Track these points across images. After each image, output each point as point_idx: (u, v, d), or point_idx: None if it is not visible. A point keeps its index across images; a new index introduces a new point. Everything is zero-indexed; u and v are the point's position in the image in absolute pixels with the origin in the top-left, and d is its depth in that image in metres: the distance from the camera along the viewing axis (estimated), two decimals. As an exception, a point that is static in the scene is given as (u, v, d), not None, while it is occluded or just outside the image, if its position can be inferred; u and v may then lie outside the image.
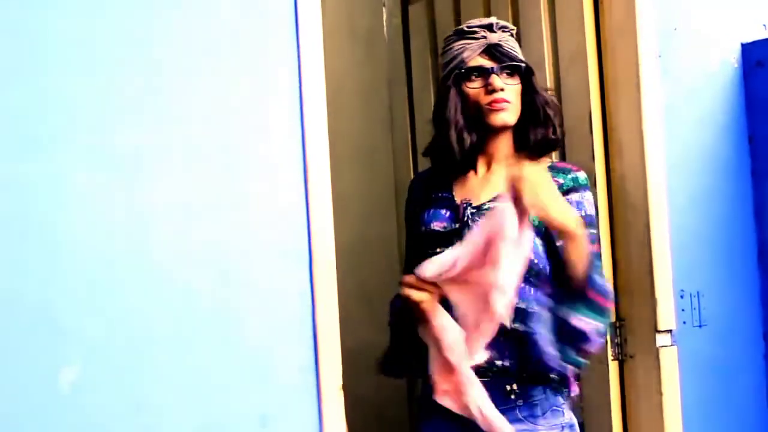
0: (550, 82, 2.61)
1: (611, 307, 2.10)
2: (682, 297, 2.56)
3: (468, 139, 2.12)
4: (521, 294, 2.05)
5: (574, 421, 2.17)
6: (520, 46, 2.22)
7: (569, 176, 2.14)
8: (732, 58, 2.75)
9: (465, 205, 2.14)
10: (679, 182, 2.57)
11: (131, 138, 1.79)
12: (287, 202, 1.94)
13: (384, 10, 3.64)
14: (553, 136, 2.16)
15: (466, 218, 2.12)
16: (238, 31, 1.91)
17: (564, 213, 1.95)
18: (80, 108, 1.75)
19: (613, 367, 2.51)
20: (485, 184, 2.17)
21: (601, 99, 2.54)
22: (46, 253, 1.69)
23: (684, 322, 2.56)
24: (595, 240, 2.12)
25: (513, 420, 2.07)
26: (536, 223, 2.06)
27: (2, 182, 1.66)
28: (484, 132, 2.14)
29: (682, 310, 2.56)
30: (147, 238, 1.79)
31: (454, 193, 2.18)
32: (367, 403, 3.67)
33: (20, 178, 1.68)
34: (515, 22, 2.74)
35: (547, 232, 2.09)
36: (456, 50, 2.15)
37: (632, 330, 2.49)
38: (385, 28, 3.60)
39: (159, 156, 1.81)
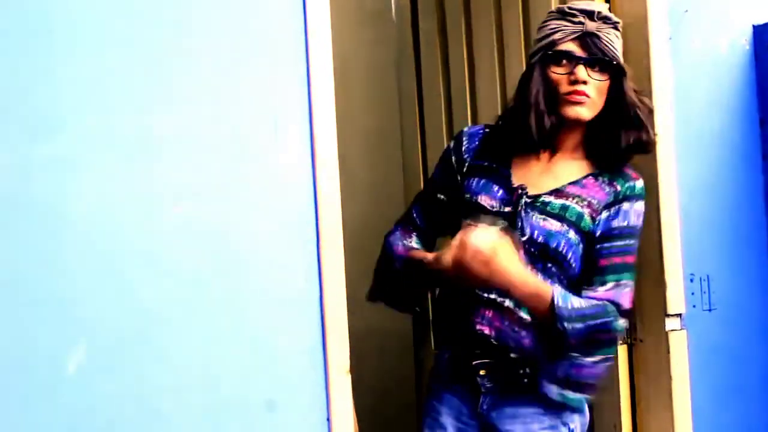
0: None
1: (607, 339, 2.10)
2: (691, 281, 2.55)
3: (549, 123, 2.07)
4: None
5: (584, 403, 2.18)
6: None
7: (627, 184, 2.12)
8: (743, 40, 2.73)
9: (521, 191, 2.10)
10: (689, 166, 2.55)
11: (138, 120, 1.78)
12: (295, 185, 1.93)
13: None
14: (645, 138, 2.11)
15: (519, 207, 2.08)
16: (245, 12, 1.90)
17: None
18: (88, 91, 1.74)
19: (622, 351, 2.50)
20: (546, 173, 2.14)
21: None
22: (53, 236, 1.69)
23: (693, 306, 2.55)
24: (631, 252, 2.10)
25: (527, 402, 2.11)
26: (579, 221, 2.08)
27: (11, 164, 1.66)
28: (557, 120, 2.09)
29: (692, 293, 2.55)
30: (154, 221, 1.78)
31: (512, 171, 2.13)
32: (374, 386, 3.67)
33: (28, 161, 1.67)
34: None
35: (586, 236, 2.09)
36: (550, 29, 2.08)
37: (641, 314, 2.48)
38: (393, 10, 3.58)
39: (166, 139, 1.80)
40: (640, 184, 2.14)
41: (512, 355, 2.08)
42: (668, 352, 2.42)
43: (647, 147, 2.14)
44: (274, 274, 1.89)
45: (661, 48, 2.47)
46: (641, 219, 2.13)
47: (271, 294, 1.89)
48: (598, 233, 2.08)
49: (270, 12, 1.93)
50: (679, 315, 2.45)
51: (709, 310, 2.60)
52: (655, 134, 2.15)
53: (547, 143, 2.12)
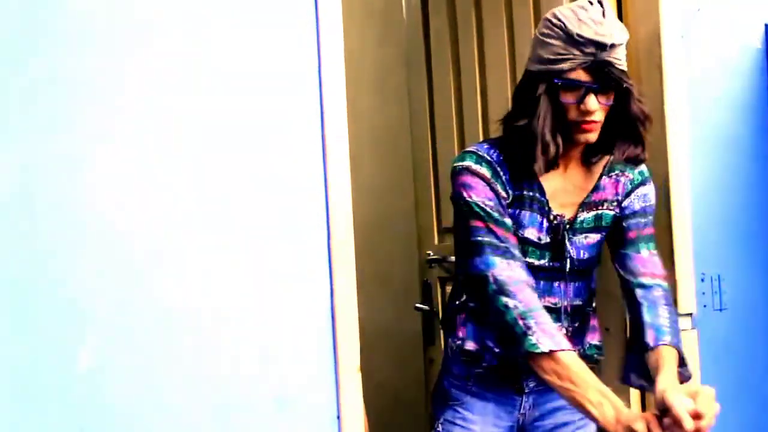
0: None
1: None
2: (702, 280, 2.54)
3: (553, 151, 2.01)
4: (575, 292, 2.17)
5: None
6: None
7: (636, 170, 2.18)
8: (755, 39, 2.72)
9: (560, 222, 2.11)
10: (700, 164, 2.55)
11: (149, 119, 1.78)
12: (306, 185, 1.93)
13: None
14: (639, 155, 2.08)
15: (561, 236, 2.11)
16: (257, 12, 1.90)
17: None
18: (98, 89, 1.74)
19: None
20: (568, 187, 2.13)
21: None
22: (64, 233, 1.69)
23: (704, 306, 2.54)
24: (650, 225, 2.17)
25: None
26: (611, 220, 2.15)
27: (22, 163, 1.66)
28: (564, 142, 2.03)
29: (703, 293, 2.54)
30: (165, 220, 1.78)
31: (548, 197, 2.10)
32: (384, 385, 3.67)
33: (40, 158, 1.68)
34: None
35: (613, 231, 2.17)
36: (557, 55, 1.97)
37: (652, 313, 2.47)
38: (403, 10, 3.58)
39: (178, 138, 1.80)
40: (644, 167, 2.20)
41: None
42: (679, 351, 2.41)
43: (640, 161, 2.13)
44: (285, 273, 1.89)
45: (674, 46, 2.46)
46: (655, 199, 2.21)
47: (281, 293, 1.89)
48: (624, 213, 2.16)
49: (281, 13, 1.93)
50: (690, 315, 2.45)
51: (720, 309, 2.59)
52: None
53: (554, 166, 2.07)
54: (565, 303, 2.15)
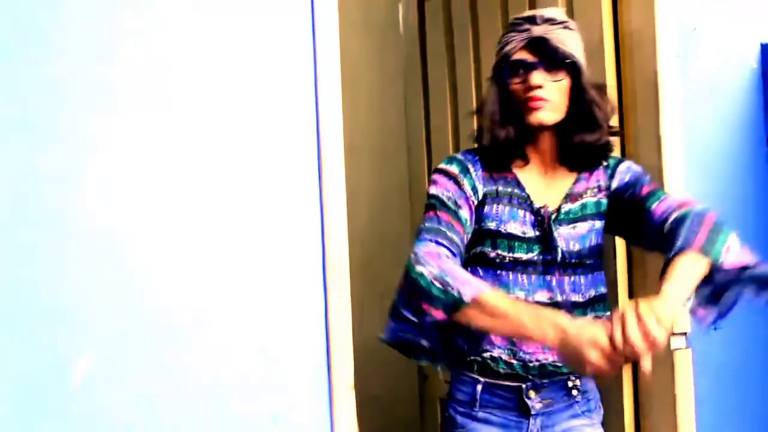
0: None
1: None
2: (697, 299, 2.54)
3: (504, 134, 2.09)
4: (571, 287, 2.12)
5: None
6: None
7: (611, 158, 2.18)
8: (751, 58, 2.73)
9: (547, 213, 2.10)
10: (696, 184, 2.55)
11: (143, 127, 1.78)
12: (301, 196, 1.93)
13: (400, 6, 3.62)
14: (598, 143, 2.11)
15: (548, 227, 2.10)
16: (254, 21, 1.90)
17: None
18: (91, 98, 1.74)
19: (627, 369, 2.49)
20: (549, 187, 2.15)
21: (618, 99, 2.52)
22: (57, 244, 1.69)
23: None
24: (649, 183, 2.14)
25: (573, 416, 2.15)
26: (599, 207, 2.14)
27: (16, 172, 1.66)
28: (527, 129, 2.10)
29: (697, 312, 2.54)
30: (160, 230, 1.78)
31: (528, 192, 2.12)
32: (378, 401, 3.66)
33: (33, 169, 1.67)
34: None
35: (618, 216, 2.15)
36: (502, 43, 2.10)
37: (647, 332, 2.47)
38: (400, 23, 3.58)
39: (173, 146, 1.80)
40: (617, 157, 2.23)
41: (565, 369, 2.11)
42: (673, 370, 2.41)
43: (600, 151, 2.14)
44: (279, 289, 1.89)
45: (670, 65, 2.47)
46: (639, 168, 2.20)
47: (276, 309, 1.89)
48: (617, 192, 2.14)
49: (278, 22, 1.93)
50: (684, 334, 2.45)
51: (715, 328, 2.59)
52: (612, 133, 2.15)
53: (511, 154, 2.12)
54: (562, 298, 2.11)
